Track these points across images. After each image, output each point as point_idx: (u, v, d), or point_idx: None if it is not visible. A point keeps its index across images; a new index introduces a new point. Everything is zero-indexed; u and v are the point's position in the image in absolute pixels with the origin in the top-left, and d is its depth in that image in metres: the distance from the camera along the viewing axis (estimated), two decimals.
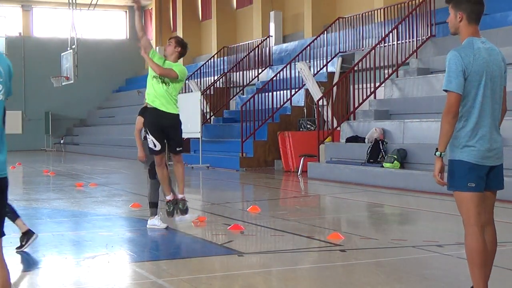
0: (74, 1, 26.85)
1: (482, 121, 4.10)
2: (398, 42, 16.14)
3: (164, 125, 7.48)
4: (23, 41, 35.05)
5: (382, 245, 6.78)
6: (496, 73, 4.16)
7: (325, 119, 16.98)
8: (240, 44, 25.31)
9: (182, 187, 7.74)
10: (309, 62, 18.99)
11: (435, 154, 4.13)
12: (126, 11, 38.09)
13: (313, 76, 18.02)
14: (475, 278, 4.08)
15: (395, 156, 12.44)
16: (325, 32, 19.70)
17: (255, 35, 26.06)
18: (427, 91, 14.26)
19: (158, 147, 7.49)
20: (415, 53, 15.93)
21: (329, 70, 19.12)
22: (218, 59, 25.90)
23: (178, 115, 7.57)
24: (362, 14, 18.62)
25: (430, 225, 8.22)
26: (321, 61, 19.32)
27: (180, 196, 7.70)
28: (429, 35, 16.03)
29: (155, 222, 7.96)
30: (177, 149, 7.63)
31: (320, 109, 16.52)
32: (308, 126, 17.77)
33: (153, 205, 8.05)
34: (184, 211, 7.71)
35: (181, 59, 8.03)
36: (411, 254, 6.32)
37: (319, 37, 19.80)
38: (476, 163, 4.10)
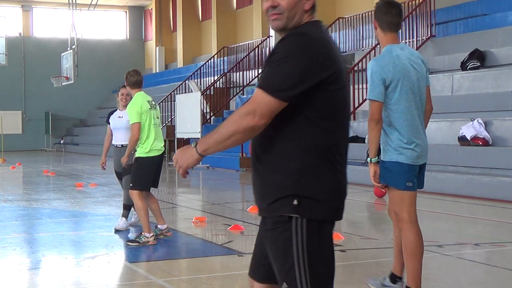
0: (74, 1, 26.84)
1: (412, 124, 4.35)
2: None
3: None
4: (23, 41, 35.04)
5: (382, 245, 6.78)
6: (418, 76, 4.40)
7: None
8: (240, 44, 25.32)
9: (143, 226, 7.18)
10: None
11: (368, 161, 4.45)
12: (126, 11, 38.09)
13: None
14: (414, 269, 4.35)
15: None
16: None
17: (255, 35, 26.05)
18: None
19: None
20: None
21: None
22: (218, 59, 25.91)
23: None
24: (362, 14, 18.62)
25: (430, 225, 8.22)
26: None
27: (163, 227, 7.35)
28: (429, 35, 16.02)
29: (122, 224, 7.96)
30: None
31: None
32: None
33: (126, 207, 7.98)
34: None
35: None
36: None
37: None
38: (411, 163, 4.37)
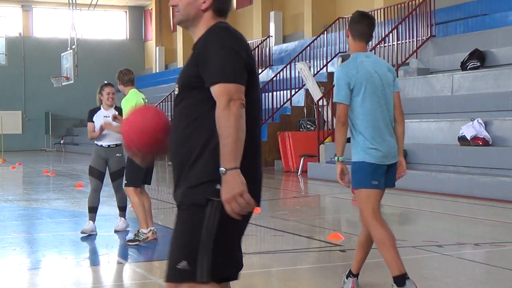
0: (74, 1, 26.84)
1: (375, 126, 4.61)
2: (398, 42, 16.14)
3: None
4: (23, 41, 35.04)
5: None
6: (383, 82, 4.67)
7: (325, 119, 16.98)
8: None
9: (140, 222, 7.09)
10: (309, 62, 18.99)
11: (336, 160, 4.73)
12: (126, 11, 38.10)
13: (313, 76, 18.02)
14: (393, 259, 4.49)
15: None
16: (325, 32, 19.71)
17: (255, 35, 26.06)
18: (427, 91, 14.26)
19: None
20: (415, 53, 15.93)
21: (329, 70, 19.11)
22: None
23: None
24: None
25: (430, 225, 8.22)
26: (321, 61, 19.33)
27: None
28: (429, 35, 16.03)
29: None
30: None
31: (320, 109, 16.51)
32: (308, 126, 17.77)
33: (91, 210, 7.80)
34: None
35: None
36: (411, 254, 6.31)
37: (319, 37, 19.80)
38: (377, 163, 4.60)
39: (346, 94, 4.59)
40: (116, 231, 7.83)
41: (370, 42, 19.50)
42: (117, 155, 7.74)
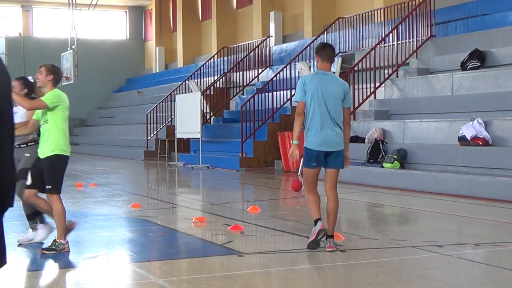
0: (74, 1, 26.85)
1: (316, 121, 6.37)
2: (398, 42, 16.14)
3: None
4: (23, 41, 35.05)
5: (382, 245, 6.78)
6: (324, 93, 6.37)
7: None
8: (240, 44, 25.32)
9: (59, 231, 6.66)
10: (309, 62, 18.99)
11: (292, 142, 6.54)
12: (126, 11, 38.10)
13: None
14: (313, 211, 6.48)
15: (395, 156, 12.43)
16: (325, 32, 19.70)
17: (255, 35, 26.05)
18: (427, 91, 14.26)
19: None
20: (415, 53, 15.93)
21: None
22: (218, 59, 25.90)
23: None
24: (362, 14, 18.63)
25: (430, 225, 8.22)
26: None
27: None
28: (429, 35, 16.03)
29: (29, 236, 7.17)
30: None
31: None
32: None
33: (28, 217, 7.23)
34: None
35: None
36: (411, 254, 6.32)
37: (319, 37, 19.80)
38: (314, 149, 6.39)
39: (301, 95, 6.45)
40: (20, 244, 7.04)
41: (370, 42, 19.53)
42: (25, 155, 7.08)
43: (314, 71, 19.33)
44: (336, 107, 6.39)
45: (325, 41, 19.69)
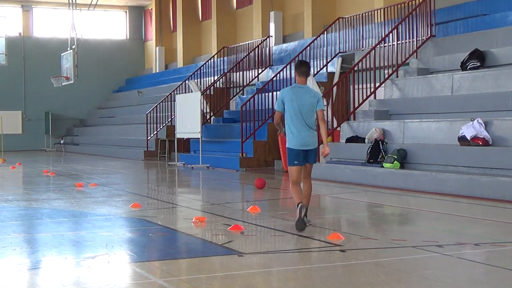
0: (74, 1, 26.84)
1: (294, 126, 7.77)
2: (398, 42, 16.14)
3: None
4: (23, 41, 35.05)
5: (382, 245, 6.78)
6: (304, 103, 7.74)
7: (325, 119, 16.98)
8: (240, 44, 25.32)
9: None
10: (309, 62, 18.98)
11: (278, 133, 8.57)
12: (126, 11, 38.09)
13: (313, 76, 18.02)
14: (296, 197, 7.78)
15: (395, 156, 12.43)
16: (325, 32, 19.70)
17: (255, 35, 26.05)
18: (427, 91, 14.26)
19: None
20: (415, 53, 15.93)
21: (329, 70, 19.12)
22: (218, 59, 25.90)
23: None
24: (362, 14, 18.62)
25: (430, 225, 8.22)
26: (321, 61, 19.33)
27: None
28: (429, 35, 16.03)
29: None
30: None
31: None
32: None
33: None
34: None
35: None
36: (411, 254, 6.32)
37: (319, 37, 19.80)
38: (296, 148, 7.76)
39: (279, 106, 7.86)
40: None
41: (370, 42, 19.58)
42: None
43: (313, 71, 19.51)
44: (309, 113, 7.77)
45: (326, 40, 19.74)
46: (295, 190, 7.80)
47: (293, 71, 19.18)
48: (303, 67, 7.94)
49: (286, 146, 7.83)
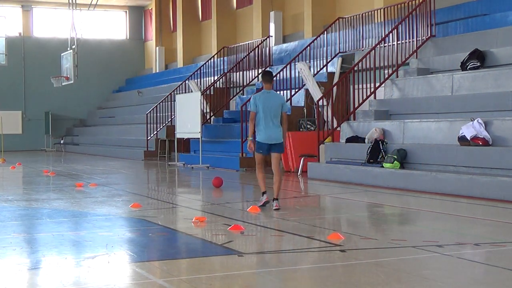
0: (74, 1, 26.84)
1: (262, 124, 9.43)
2: (398, 42, 16.14)
3: None
4: (23, 41, 35.05)
5: (382, 245, 6.78)
6: (271, 105, 9.45)
7: (325, 119, 16.99)
8: (240, 44, 25.32)
9: None
10: (309, 62, 18.99)
11: (248, 139, 9.64)
12: (126, 11, 38.10)
13: (313, 76, 18.02)
14: (261, 185, 9.66)
15: (395, 156, 12.43)
16: (325, 32, 19.71)
17: (255, 35, 26.06)
18: (427, 91, 14.26)
19: None
20: (415, 53, 15.93)
21: (329, 70, 19.12)
22: (218, 59, 25.91)
23: None
24: (362, 14, 18.62)
25: (430, 225, 8.23)
26: (321, 61, 19.33)
27: None
28: (429, 35, 16.03)
29: None
30: None
31: (320, 109, 16.52)
32: (308, 126, 17.77)
33: None
34: None
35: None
36: (411, 254, 6.32)
37: (319, 37, 19.80)
38: (262, 141, 9.49)
39: (253, 107, 9.47)
40: None
41: (370, 42, 19.60)
42: None
43: (313, 71, 19.54)
44: (276, 113, 9.50)
45: (326, 40, 19.75)
46: (260, 177, 9.71)
47: (293, 71, 19.29)
48: (267, 76, 9.74)
49: (256, 140, 9.54)
